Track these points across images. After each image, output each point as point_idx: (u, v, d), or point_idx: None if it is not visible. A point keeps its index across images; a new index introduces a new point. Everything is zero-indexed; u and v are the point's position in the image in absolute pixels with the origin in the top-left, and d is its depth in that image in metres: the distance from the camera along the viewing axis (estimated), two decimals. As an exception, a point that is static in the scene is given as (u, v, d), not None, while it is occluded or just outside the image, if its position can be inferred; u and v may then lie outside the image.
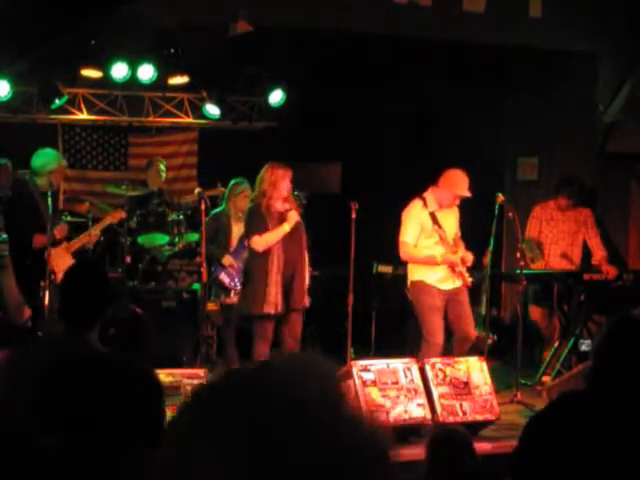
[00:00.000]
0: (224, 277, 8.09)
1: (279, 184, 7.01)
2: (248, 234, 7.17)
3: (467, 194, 7.11)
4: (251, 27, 7.66)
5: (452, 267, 7.13)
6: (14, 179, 7.85)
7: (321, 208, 8.63)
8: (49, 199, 7.15)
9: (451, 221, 7.26)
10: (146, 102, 10.28)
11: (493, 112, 9.88)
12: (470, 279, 7.17)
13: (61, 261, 7.24)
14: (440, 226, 7.12)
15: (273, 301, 6.94)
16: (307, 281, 7.22)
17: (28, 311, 7.56)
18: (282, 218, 7.04)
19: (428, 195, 7.18)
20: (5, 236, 7.72)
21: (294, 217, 7.01)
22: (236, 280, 8.00)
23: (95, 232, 7.77)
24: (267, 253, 6.99)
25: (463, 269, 7.13)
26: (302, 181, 7.56)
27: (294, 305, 7.07)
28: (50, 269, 7.18)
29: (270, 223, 7.02)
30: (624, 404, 2.78)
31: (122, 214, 8.04)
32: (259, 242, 7.02)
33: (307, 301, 7.18)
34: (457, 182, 7.11)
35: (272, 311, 6.96)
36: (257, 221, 7.04)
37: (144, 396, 3.06)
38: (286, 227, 6.99)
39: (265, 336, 7.06)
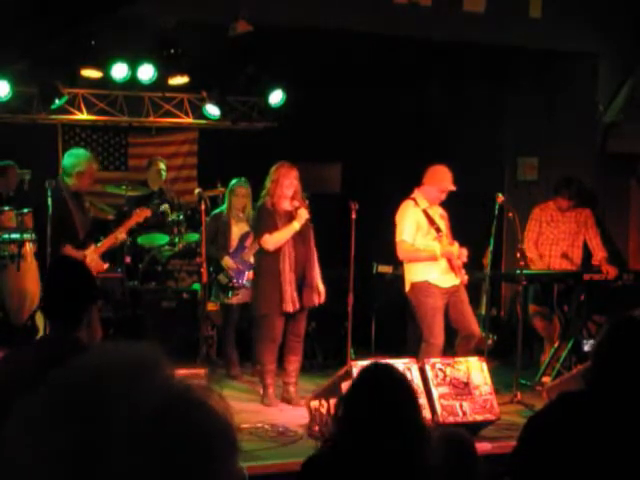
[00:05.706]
0: (223, 277, 8.09)
1: (281, 181, 7.01)
2: (258, 233, 7.15)
3: (452, 187, 7.19)
4: (251, 27, 7.66)
5: (450, 261, 7.15)
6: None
7: (321, 208, 8.62)
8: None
9: (440, 219, 7.31)
10: (146, 102, 10.27)
11: (493, 112, 9.88)
12: (466, 276, 7.22)
13: (91, 265, 7.04)
14: (435, 221, 7.20)
15: (290, 299, 6.92)
16: (317, 279, 7.21)
17: (28, 311, 7.56)
18: (291, 217, 7.03)
19: (416, 195, 7.26)
20: (6, 236, 7.71)
21: (304, 215, 7.00)
22: (234, 280, 8.00)
23: (121, 234, 7.40)
24: (277, 252, 6.98)
25: (460, 263, 7.18)
26: (302, 181, 7.55)
27: (305, 303, 7.07)
28: None
29: (279, 222, 7.01)
30: (623, 405, 2.78)
31: (147, 212, 7.76)
32: (269, 241, 7.00)
33: (316, 299, 7.16)
34: (442, 176, 7.21)
35: (290, 309, 6.94)
36: (266, 220, 7.02)
37: None
38: (296, 225, 6.98)
39: (273, 336, 7.01)
